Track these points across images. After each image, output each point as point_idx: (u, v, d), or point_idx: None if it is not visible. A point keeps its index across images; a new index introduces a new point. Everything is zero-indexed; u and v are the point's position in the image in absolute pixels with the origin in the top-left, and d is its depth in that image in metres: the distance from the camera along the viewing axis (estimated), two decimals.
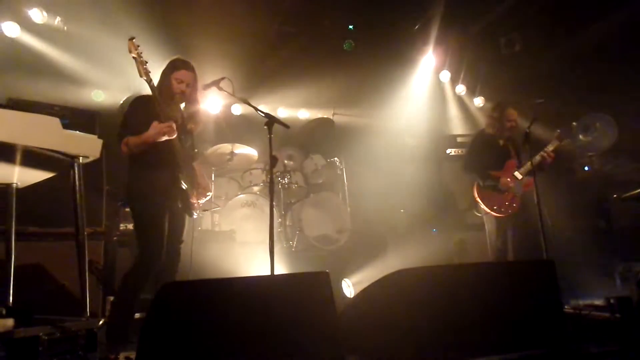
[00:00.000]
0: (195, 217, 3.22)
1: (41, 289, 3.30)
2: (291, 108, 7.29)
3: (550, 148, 4.21)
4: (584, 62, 5.84)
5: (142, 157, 2.95)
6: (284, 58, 6.34)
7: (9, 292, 2.41)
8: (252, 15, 5.66)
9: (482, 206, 4.35)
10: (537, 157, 4.17)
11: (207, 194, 3.29)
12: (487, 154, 4.42)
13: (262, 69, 6.35)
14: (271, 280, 2.19)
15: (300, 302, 1.92)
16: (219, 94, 3.44)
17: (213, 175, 5.30)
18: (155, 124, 2.86)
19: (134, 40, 2.98)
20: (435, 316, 2.15)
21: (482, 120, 7.01)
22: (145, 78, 2.94)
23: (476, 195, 4.41)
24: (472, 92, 7.22)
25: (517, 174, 4.30)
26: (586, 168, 5.95)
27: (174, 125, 2.92)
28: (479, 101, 7.21)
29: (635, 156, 5.43)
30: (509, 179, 4.30)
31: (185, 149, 3.16)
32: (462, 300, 2.25)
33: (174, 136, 2.94)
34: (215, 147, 5.34)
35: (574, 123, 5.58)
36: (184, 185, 3.05)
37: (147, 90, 3.01)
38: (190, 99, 3.21)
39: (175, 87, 3.09)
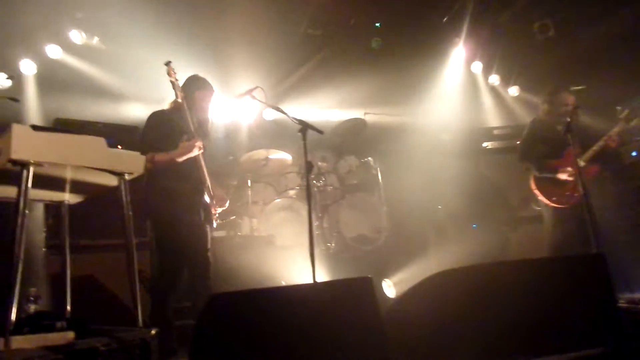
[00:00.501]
0: (215, 226, 3.34)
1: (94, 300, 3.45)
2: (322, 110, 7.31)
3: (615, 130, 3.96)
4: (623, 42, 5.57)
5: (166, 172, 3.06)
6: (312, 61, 6.37)
7: (66, 305, 2.54)
8: (280, 21, 5.73)
9: (541, 197, 4.17)
10: (601, 142, 3.96)
11: (225, 203, 3.41)
12: (543, 142, 4.20)
13: (291, 73, 6.41)
14: (315, 288, 2.21)
15: (345, 309, 1.93)
16: (252, 102, 3.50)
17: (249, 181, 5.38)
18: (184, 142, 3.03)
19: (170, 64, 3.17)
20: (483, 317, 2.10)
21: (518, 111, 6.85)
22: (181, 101, 3.12)
23: (533, 186, 4.23)
24: (506, 81, 7.02)
25: (580, 161, 3.99)
26: (634, 154, 5.66)
27: (202, 144, 3.08)
28: (514, 91, 7.00)
29: None
30: (569, 168, 4.04)
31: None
32: (510, 299, 2.20)
33: (201, 153, 3.10)
34: (249, 154, 5.43)
35: (618, 107, 5.33)
36: (207, 198, 3.18)
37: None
38: (207, 115, 3.41)
39: (199, 106, 3.27)
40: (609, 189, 5.13)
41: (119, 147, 2.55)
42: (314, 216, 5.22)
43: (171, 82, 3.13)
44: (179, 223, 3.06)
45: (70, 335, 1.94)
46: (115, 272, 3.47)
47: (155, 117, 3.24)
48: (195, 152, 3.06)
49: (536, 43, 6.21)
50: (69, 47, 5.39)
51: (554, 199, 4.10)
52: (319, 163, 6.05)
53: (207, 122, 3.47)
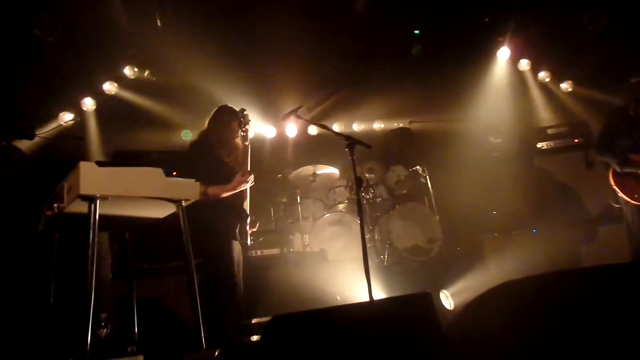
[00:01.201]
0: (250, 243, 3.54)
1: (160, 323, 3.58)
2: (367, 121, 7.31)
3: None
4: None
5: (217, 200, 3.27)
6: (354, 73, 6.41)
7: (134, 328, 2.66)
8: (318, 37, 5.82)
9: (621, 195, 3.93)
10: None
11: (255, 226, 3.65)
12: (624, 135, 3.93)
13: (334, 87, 6.48)
14: (373, 306, 2.19)
15: (404, 327, 1.89)
16: (297, 120, 3.56)
17: (298, 197, 5.45)
18: (239, 176, 3.30)
19: (245, 112, 3.47)
20: (556, 333, 1.99)
21: (573, 107, 6.51)
22: (248, 144, 3.44)
23: (612, 182, 3.99)
24: (557, 77, 6.71)
25: None
26: None
27: (253, 177, 3.34)
28: (566, 86, 6.67)
29: None
30: None
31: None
32: (587, 312, 2.06)
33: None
34: (297, 170, 5.50)
35: None
36: (247, 223, 3.43)
37: None
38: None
39: (239, 138, 3.48)
40: None
41: (174, 173, 2.67)
42: (365, 229, 5.20)
43: (245, 129, 3.43)
44: (230, 245, 3.31)
45: (140, 358, 2.03)
46: (177, 294, 3.59)
47: (197, 148, 3.51)
48: (245, 186, 3.35)
49: (587, 34, 5.91)
50: (123, 82, 5.74)
51: (636, 196, 3.85)
52: (367, 175, 6.02)
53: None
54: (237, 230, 3.41)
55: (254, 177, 3.42)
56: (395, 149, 6.13)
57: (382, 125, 7.34)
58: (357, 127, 7.30)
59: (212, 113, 3.56)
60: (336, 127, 6.92)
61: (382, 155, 6.36)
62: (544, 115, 6.53)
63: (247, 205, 3.45)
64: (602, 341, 1.97)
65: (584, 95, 6.44)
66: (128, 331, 2.70)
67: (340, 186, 5.76)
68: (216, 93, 5.78)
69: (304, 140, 6.95)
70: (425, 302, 1.95)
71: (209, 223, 3.22)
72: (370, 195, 5.47)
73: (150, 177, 2.19)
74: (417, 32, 6.32)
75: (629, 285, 2.08)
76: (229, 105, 3.60)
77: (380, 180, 5.91)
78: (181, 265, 3.59)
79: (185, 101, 6.01)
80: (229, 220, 3.36)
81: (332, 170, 5.55)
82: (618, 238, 4.19)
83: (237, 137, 3.47)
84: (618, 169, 3.91)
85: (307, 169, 5.45)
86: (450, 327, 2.34)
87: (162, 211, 2.54)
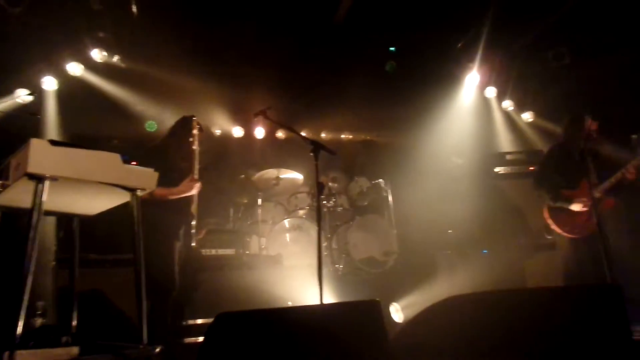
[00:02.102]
0: (193, 245, 3.63)
1: (101, 315, 3.45)
2: (334, 131, 7.36)
3: (634, 163, 3.84)
4: (638, 71, 5.55)
5: (163, 200, 3.35)
6: (326, 82, 6.45)
7: (72, 319, 2.54)
8: (295, 42, 5.83)
9: (554, 227, 4.10)
10: (618, 174, 3.86)
11: (202, 233, 3.90)
12: (560, 171, 4.12)
13: (305, 94, 6.49)
14: (322, 310, 2.19)
15: (352, 332, 1.90)
16: (265, 121, 3.55)
17: (259, 200, 5.40)
18: (187, 182, 3.43)
19: (195, 118, 3.61)
20: (491, 346, 2.06)
21: (532, 137, 6.81)
22: (196, 149, 3.53)
23: (546, 216, 4.16)
24: (520, 107, 7.01)
25: (596, 193, 3.85)
26: None
27: (200, 184, 3.47)
28: (527, 116, 6.98)
29: None
30: (584, 199, 3.94)
31: None
32: (519, 329, 2.15)
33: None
34: (261, 173, 5.46)
35: (634, 136, 5.27)
36: (193, 226, 3.51)
37: None
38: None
39: (196, 146, 3.58)
40: (623, 218, 5.04)
41: (134, 163, 2.59)
42: (323, 237, 5.22)
43: (194, 133, 3.53)
44: (172, 245, 3.41)
45: (74, 350, 1.94)
46: (124, 288, 3.48)
47: (153, 151, 3.64)
48: (193, 192, 3.47)
49: (551, 70, 6.21)
50: (89, 64, 5.54)
51: (567, 229, 4.03)
52: (330, 184, 6.06)
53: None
54: (180, 232, 3.50)
55: (216, 174, 3.46)
56: (360, 161, 6.22)
57: (350, 137, 7.42)
58: (325, 135, 7.34)
59: (175, 121, 3.71)
60: (304, 134, 6.93)
61: (347, 165, 6.42)
62: (505, 141, 6.79)
63: (194, 209, 3.52)
64: (538, 355, 2.06)
65: (543, 126, 6.75)
66: (67, 322, 2.58)
67: (302, 192, 5.77)
68: (186, 87, 5.69)
69: (271, 143, 6.93)
70: (373, 310, 1.97)
71: (152, 221, 3.19)
72: (332, 203, 5.50)
73: (106, 162, 2.11)
74: (392, 49, 6.44)
75: (560, 306, 2.20)
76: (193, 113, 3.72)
77: (343, 190, 5.96)
78: (129, 259, 3.52)
79: (153, 92, 5.87)
80: (172, 221, 3.44)
81: (296, 176, 5.55)
82: (557, 265, 4.37)
83: (195, 146, 3.57)
84: (551, 203, 4.09)
85: (271, 172, 5.43)
86: (397, 337, 2.38)
87: (115, 199, 2.45)
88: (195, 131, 3.54)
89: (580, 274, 3.93)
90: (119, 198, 2.39)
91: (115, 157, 2.15)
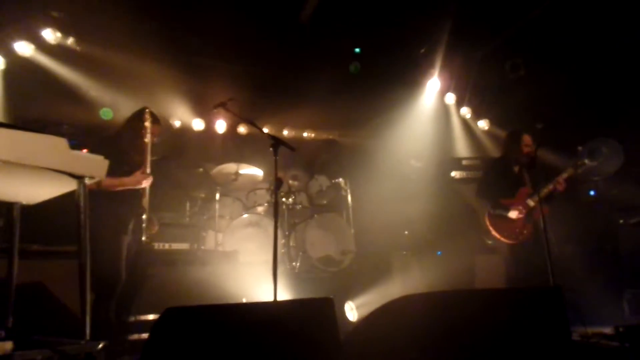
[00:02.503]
0: (144, 239, 3.51)
1: (42, 309, 3.27)
2: (297, 129, 7.34)
3: (564, 176, 4.23)
4: (588, 86, 5.86)
5: (112, 192, 3.28)
6: (289, 79, 6.41)
7: (9, 313, 2.38)
8: (260, 37, 5.75)
9: (494, 233, 4.40)
10: (550, 185, 4.20)
11: (155, 228, 3.65)
12: (500, 181, 4.44)
13: (268, 90, 6.43)
14: (275, 306, 2.16)
15: (304, 329, 1.89)
16: (226, 114, 3.49)
17: (217, 194, 5.30)
18: (138, 174, 3.35)
19: (147, 110, 3.49)
20: (439, 344, 2.10)
21: (487, 144, 7.05)
22: (148, 142, 3.44)
23: (487, 222, 4.46)
24: (477, 115, 7.24)
25: (530, 201, 4.30)
26: (592, 193, 5.90)
27: (151, 178, 3.40)
28: (483, 124, 7.22)
29: None
30: (520, 207, 4.31)
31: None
32: (467, 328, 2.21)
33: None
34: (220, 167, 5.36)
35: (580, 147, 5.56)
36: (143, 220, 3.41)
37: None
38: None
39: (148, 139, 3.47)
40: (567, 225, 5.31)
41: (84, 150, 2.46)
42: (280, 234, 5.20)
43: (145, 126, 3.42)
44: (120, 239, 3.33)
45: (8, 345, 1.82)
46: (67, 281, 3.31)
47: (106, 142, 3.51)
48: (144, 185, 3.39)
49: (507, 80, 6.45)
50: (41, 45, 5.24)
51: (505, 234, 4.34)
52: (290, 181, 6.03)
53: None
54: (129, 226, 3.40)
55: (173, 167, 3.35)
56: (321, 159, 6.23)
57: (312, 135, 7.42)
58: (287, 133, 7.31)
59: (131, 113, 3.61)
60: (266, 130, 6.87)
61: (307, 164, 6.42)
62: (461, 147, 7.01)
63: (145, 202, 3.43)
64: (483, 353, 2.12)
65: (497, 135, 7.01)
66: (2, 316, 2.42)
67: (261, 188, 5.71)
68: (145, 75, 5.49)
69: (232, 137, 6.82)
70: (327, 307, 1.97)
71: (99, 213, 3.12)
72: (291, 201, 5.48)
73: (51, 146, 1.99)
74: (357, 50, 6.49)
75: (505, 306, 2.29)
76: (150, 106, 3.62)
77: (303, 188, 5.95)
78: (74, 251, 3.35)
79: (109, 79, 5.63)
80: (121, 214, 3.35)
81: (256, 172, 5.49)
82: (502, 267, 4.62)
83: (147, 139, 3.47)
84: (491, 211, 4.41)
85: (231, 167, 5.34)
86: (349, 335, 2.39)
87: (60, 187, 2.32)
88: (147, 123, 3.44)
89: (517, 277, 4.27)
90: (65, 186, 2.26)
91: (62, 142, 2.02)
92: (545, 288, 3.09)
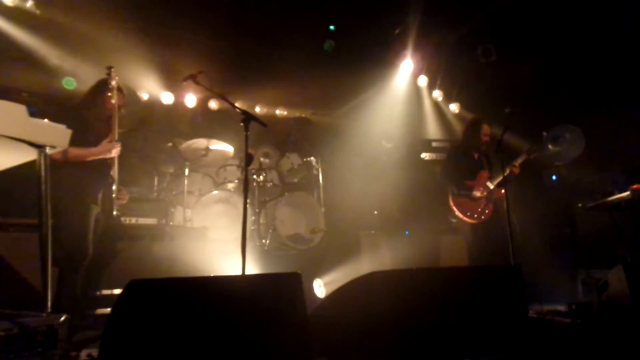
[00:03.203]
0: (115, 213, 3.44)
1: (1, 282, 3.17)
2: (269, 106, 7.25)
3: (518, 161, 4.49)
4: (555, 74, 6.02)
5: (80, 162, 3.19)
6: (263, 55, 6.29)
7: None
8: (233, 9, 5.59)
9: (457, 213, 4.61)
10: (507, 170, 4.37)
11: (125, 198, 3.59)
12: (462, 165, 4.66)
13: (240, 65, 6.29)
14: (242, 280, 2.17)
15: (271, 303, 1.91)
16: (196, 88, 3.40)
17: (187, 170, 5.20)
18: (105, 143, 3.26)
19: (112, 69, 3.36)
20: (404, 319, 2.17)
21: (457, 127, 7.17)
22: (116, 105, 3.35)
23: (451, 202, 4.66)
24: (448, 98, 7.33)
25: (489, 184, 4.57)
26: (554, 177, 6.13)
27: (119, 147, 3.31)
28: (454, 107, 7.33)
29: (600, 167, 5.63)
30: (481, 188, 4.56)
31: None
32: (430, 303, 2.28)
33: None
34: (190, 142, 5.25)
35: (544, 133, 5.73)
36: (113, 187, 3.33)
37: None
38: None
39: (111, 108, 3.38)
40: (529, 207, 5.51)
41: (45, 120, 2.36)
42: (250, 212, 5.17)
43: (111, 86, 3.32)
44: (88, 210, 3.22)
45: None
46: (25, 254, 3.22)
47: (70, 112, 3.40)
48: (113, 154, 3.30)
49: (478, 65, 6.53)
50: None
51: (468, 214, 4.56)
52: (262, 159, 5.98)
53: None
54: (99, 195, 3.32)
55: (141, 141, 3.25)
56: (293, 137, 6.19)
57: (285, 113, 7.35)
58: (259, 110, 7.21)
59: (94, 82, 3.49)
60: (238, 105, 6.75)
61: (279, 141, 6.37)
62: (432, 129, 7.11)
63: (115, 172, 3.35)
64: (443, 327, 2.20)
65: (468, 118, 7.13)
66: None
67: (232, 165, 5.65)
68: (111, 44, 5.27)
69: (202, 112, 6.67)
70: (294, 282, 1.99)
71: (68, 184, 3.07)
72: (262, 178, 5.45)
73: (8, 113, 1.90)
74: (332, 27, 6.41)
75: (465, 283, 2.37)
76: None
77: (274, 165, 5.91)
78: (34, 224, 3.25)
79: (72, 46, 5.36)
80: (89, 184, 3.26)
81: (226, 148, 5.40)
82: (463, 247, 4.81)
83: (112, 107, 3.37)
84: (455, 191, 4.63)
85: (201, 142, 5.23)
86: (315, 310, 2.43)
87: (20, 156, 2.23)
88: (113, 82, 3.33)
89: (479, 256, 4.47)
90: (24, 155, 2.17)
91: (20, 109, 1.94)
92: (506, 267, 3.21)
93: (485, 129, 4.70)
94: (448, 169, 4.83)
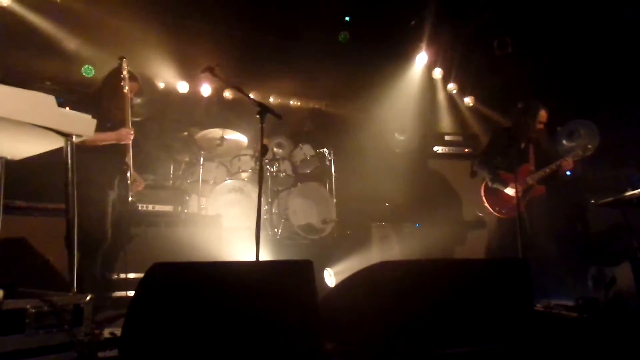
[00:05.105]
0: (131, 199, 3.53)
1: (25, 264, 3.31)
2: (283, 96, 7.30)
3: (571, 157, 4.09)
4: (570, 69, 5.97)
5: (96, 148, 3.28)
6: (278, 46, 6.34)
7: None
8: (249, 1, 5.65)
9: (486, 205, 4.35)
10: (553, 166, 4.09)
11: (141, 186, 3.73)
12: (503, 154, 4.28)
13: (255, 55, 6.35)
14: (255, 266, 2.26)
15: (283, 289, 1.99)
16: (212, 78, 3.48)
17: (202, 159, 5.31)
18: (123, 130, 3.38)
19: (124, 60, 3.46)
20: (410, 308, 2.24)
21: (470, 121, 7.16)
22: (129, 95, 3.44)
23: (482, 193, 4.39)
24: (462, 91, 7.30)
25: (529, 179, 4.17)
26: (568, 173, 6.09)
27: (133, 133, 3.39)
28: (468, 100, 7.30)
29: (614, 163, 5.59)
30: (517, 185, 4.04)
31: None
32: (437, 294, 2.35)
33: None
34: (205, 132, 5.34)
35: (559, 128, 5.71)
36: (128, 177, 3.43)
37: None
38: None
39: (124, 96, 3.46)
40: (543, 204, 5.51)
41: (67, 108, 2.46)
42: (263, 201, 5.27)
43: (122, 76, 3.40)
44: (105, 195, 3.36)
45: None
46: (51, 238, 3.35)
47: (90, 98, 3.53)
48: (127, 141, 3.42)
49: (493, 58, 6.49)
50: None
51: (497, 209, 4.30)
52: (275, 149, 6.07)
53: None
54: (115, 181, 3.44)
55: (157, 129, 3.34)
56: (306, 128, 6.25)
57: (299, 103, 7.40)
58: (273, 100, 7.27)
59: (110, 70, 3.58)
60: (251, 96, 6.82)
61: (293, 132, 6.44)
62: (445, 122, 7.10)
63: (129, 159, 3.46)
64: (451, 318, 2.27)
65: (482, 111, 7.11)
66: None
67: (246, 155, 5.73)
68: (129, 34, 5.36)
69: (217, 102, 6.76)
70: (306, 269, 2.07)
71: (84, 169, 3.12)
72: (275, 169, 5.53)
73: (39, 103, 1.99)
74: (347, 18, 6.42)
75: (474, 275, 2.43)
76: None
77: (287, 156, 5.99)
78: (57, 208, 3.38)
79: (92, 34, 5.47)
80: (105, 170, 3.37)
81: (241, 138, 5.49)
82: (482, 241, 4.72)
83: (124, 95, 3.45)
84: (489, 183, 4.35)
85: (216, 132, 5.32)
86: (326, 297, 2.52)
87: (48, 144, 2.33)
88: (124, 72, 3.42)
89: (500, 251, 4.26)
90: (52, 143, 2.28)
91: (50, 99, 2.03)
92: (513, 260, 3.26)
93: (543, 115, 4.15)
94: (486, 156, 4.40)
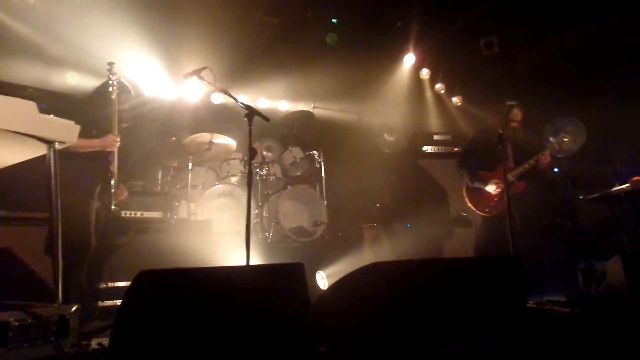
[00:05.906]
0: (113, 208, 3.50)
1: (8, 275, 3.23)
2: (272, 99, 7.27)
3: (548, 151, 4.21)
4: (557, 66, 6.02)
5: (78, 156, 3.23)
6: (265, 49, 6.31)
7: None
8: (235, 3, 5.61)
9: (469, 205, 4.44)
10: (532, 161, 4.19)
11: (124, 194, 3.67)
12: (481, 154, 4.39)
13: (243, 59, 6.31)
14: (246, 270, 2.23)
15: (275, 293, 1.96)
16: (200, 83, 3.44)
17: (190, 164, 5.25)
18: (109, 136, 3.35)
19: (113, 65, 3.45)
20: (404, 308, 2.22)
21: (459, 120, 7.19)
22: (115, 99, 3.42)
23: (464, 193, 4.50)
24: (450, 91, 7.34)
25: (509, 176, 4.22)
26: (555, 169, 6.15)
27: (119, 140, 3.40)
28: (456, 100, 7.34)
29: (601, 160, 5.65)
30: (497, 182, 4.28)
31: None
32: (430, 293, 2.33)
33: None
34: (194, 136, 5.29)
35: (547, 125, 5.74)
36: (112, 185, 3.40)
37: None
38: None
39: (112, 103, 3.45)
40: (531, 200, 5.54)
41: (51, 115, 2.41)
42: (253, 205, 5.22)
43: (111, 83, 3.40)
44: (89, 203, 3.32)
45: None
46: (35, 248, 3.28)
47: (76, 106, 3.65)
48: (113, 148, 3.39)
49: (481, 57, 6.53)
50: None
51: (480, 207, 4.39)
52: (264, 152, 6.03)
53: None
54: (96, 190, 3.39)
55: (145, 135, 3.30)
56: (295, 131, 6.22)
57: (288, 106, 7.37)
58: (261, 103, 7.23)
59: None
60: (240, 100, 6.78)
61: (282, 135, 6.41)
62: (434, 122, 7.12)
63: (114, 167, 3.43)
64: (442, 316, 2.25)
65: (470, 111, 7.15)
66: None
67: (235, 159, 5.69)
68: (115, 39, 5.29)
69: (205, 106, 6.71)
70: (297, 272, 2.04)
71: (67, 177, 3.07)
72: (265, 172, 5.49)
73: (20, 110, 1.95)
74: (335, 21, 6.41)
75: (466, 274, 2.42)
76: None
77: (277, 159, 5.96)
78: (41, 217, 3.31)
79: (75, 40, 5.38)
80: (88, 178, 3.34)
81: (230, 142, 5.44)
82: (472, 239, 4.76)
83: (112, 102, 3.43)
84: (469, 183, 4.44)
85: (204, 136, 5.27)
86: (318, 300, 2.49)
87: (30, 151, 2.28)
88: (114, 78, 3.41)
89: (488, 249, 4.32)
90: (34, 150, 2.23)
91: (31, 105, 1.99)
92: (506, 257, 3.26)
93: (516, 113, 4.29)
94: (465, 157, 4.57)
